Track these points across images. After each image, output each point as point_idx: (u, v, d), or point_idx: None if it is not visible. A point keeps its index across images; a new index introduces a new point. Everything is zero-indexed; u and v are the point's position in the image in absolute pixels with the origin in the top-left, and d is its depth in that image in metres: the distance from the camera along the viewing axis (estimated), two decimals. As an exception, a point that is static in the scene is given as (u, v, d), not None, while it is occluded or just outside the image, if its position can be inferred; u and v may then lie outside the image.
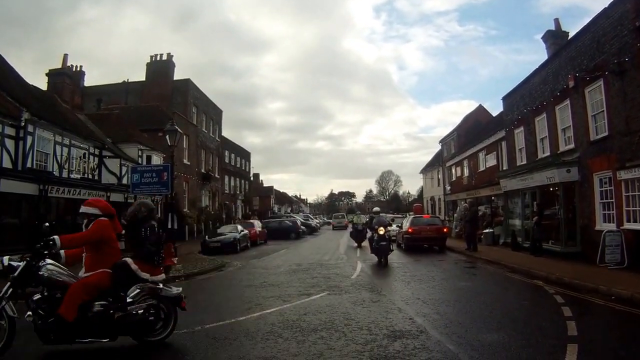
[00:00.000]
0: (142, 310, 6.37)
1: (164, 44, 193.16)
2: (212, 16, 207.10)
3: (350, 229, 36.05)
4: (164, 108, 35.24)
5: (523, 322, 7.85)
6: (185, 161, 36.30)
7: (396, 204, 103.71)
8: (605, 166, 14.94)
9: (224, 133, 51.43)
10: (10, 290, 5.95)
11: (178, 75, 41.54)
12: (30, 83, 22.84)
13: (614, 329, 7.59)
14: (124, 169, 24.59)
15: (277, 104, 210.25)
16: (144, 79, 41.20)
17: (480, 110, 43.95)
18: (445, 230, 23.95)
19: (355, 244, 27.01)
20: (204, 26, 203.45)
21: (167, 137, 16.63)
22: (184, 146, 35.85)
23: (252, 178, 68.37)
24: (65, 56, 29.65)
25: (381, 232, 17.25)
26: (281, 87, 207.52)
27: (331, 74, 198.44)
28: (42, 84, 27.20)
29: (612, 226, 14.34)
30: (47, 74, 27.20)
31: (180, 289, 7.14)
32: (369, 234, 21.37)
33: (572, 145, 17.26)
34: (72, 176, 20.54)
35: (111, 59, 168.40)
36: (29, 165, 17.52)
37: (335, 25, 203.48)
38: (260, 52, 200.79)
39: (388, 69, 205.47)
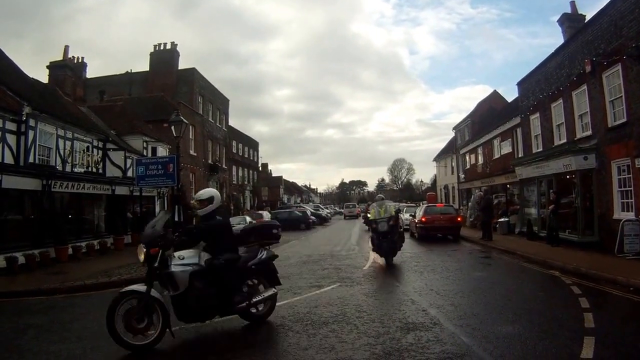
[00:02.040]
0: None
1: (166, 32, 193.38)
2: (214, 1, 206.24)
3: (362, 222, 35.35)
4: (168, 98, 35.11)
5: (539, 313, 7.73)
6: (192, 152, 36.28)
7: (409, 192, 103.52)
8: (624, 153, 14.62)
9: (231, 122, 51.37)
10: None
11: (181, 63, 41.42)
12: (29, 74, 22.77)
13: (632, 321, 7.41)
14: (128, 162, 24.54)
15: (284, 92, 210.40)
16: (147, 69, 41.11)
17: (495, 95, 43.41)
18: (459, 219, 23.84)
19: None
20: (207, 12, 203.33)
21: (173, 128, 16.46)
22: (190, 137, 35.72)
23: (260, 168, 68.25)
24: (66, 48, 29.64)
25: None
26: (288, 74, 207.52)
27: (340, 60, 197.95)
28: (41, 75, 27.23)
29: (631, 215, 14.05)
30: (48, 67, 27.20)
31: None
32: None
33: (589, 132, 16.94)
34: (75, 170, 20.47)
35: (112, 48, 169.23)
36: (31, 160, 17.41)
37: (343, 9, 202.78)
38: (265, 37, 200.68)
39: (399, 54, 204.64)
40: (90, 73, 41.58)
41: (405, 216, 30.91)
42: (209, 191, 7.66)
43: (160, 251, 6.50)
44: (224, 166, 45.85)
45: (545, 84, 20.83)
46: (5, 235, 15.45)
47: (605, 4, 15.57)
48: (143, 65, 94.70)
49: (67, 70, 26.35)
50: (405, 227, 29.08)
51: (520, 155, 25.10)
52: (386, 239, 14.41)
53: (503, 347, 5.83)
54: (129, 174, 23.68)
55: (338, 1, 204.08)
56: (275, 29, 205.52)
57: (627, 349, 5.85)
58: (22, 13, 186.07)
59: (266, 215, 33.88)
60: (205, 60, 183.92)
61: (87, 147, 21.95)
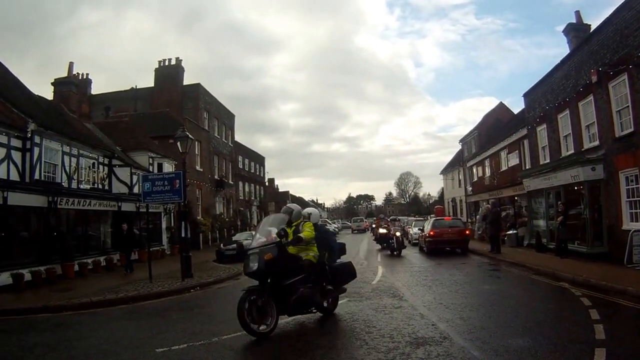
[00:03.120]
0: None
1: (169, 47, 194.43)
2: (218, 16, 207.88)
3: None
4: (174, 114, 35.22)
5: (549, 326, 7.69)
6: (198, 168, 36.32)
7: (416, 206, 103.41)
8: (632, 163, 14.52)
9: (236, 137, 51.41)
10: None
11: (186, 78, 41.53)
12: (34, 90, 22.95)
13: (644, 332, 7.36)
14: (134, 178, 24.56)
15: (289, 106, 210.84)
16: (152, 84, 41.34)
17: (501, 107, 43.42)
18: (467, 232, 23.75)
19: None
20: (211, 27, 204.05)
21: (179, 144, 16.54)
22: (196, 152, 35.77)
23: (267, 183, 68.33)
24: (71, 64, 29.90)
25: None
26: (293, 88, 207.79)
27: (345, 73, 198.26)
28: (45, 91, 27.54)
29: (640, 225, 13.94)
30: (52, 83, 27.52)
31: None
32: None
33: (596, 143, 16.87)
34: (81, 186, 20.55)
35: (116, 64, 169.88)
36: (36, 177, 17.46)
37: (347, 22, 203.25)
38: (270, 51, 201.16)
39: (404, 66, 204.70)
40: (95, 88, 41.87)
41: (413, 230, 30.85)
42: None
43: None
44: (230, 182, 45.88)
45: (551, 95, 20.80)
46: (11, 252, 15.45)
47: (610, 13, 15.60)
48: (147, 81, 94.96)
49: (72, 86, 26.65)
50: (414, 241, 29.08)
51: (527, 167, 25.05)
52: (258, 291, 7.88)
53: (514, 360, 5.79)
54: (135, 190, 23.72)
55: (342, 14, 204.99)
56: (280, 43, 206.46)
57: (639, 360, 5.80)
58: (24, 29, 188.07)
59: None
60: (209, 75, 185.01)
61: (93, 164, 22.05)
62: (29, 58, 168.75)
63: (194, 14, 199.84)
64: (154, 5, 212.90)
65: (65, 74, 28.59)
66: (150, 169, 26.67)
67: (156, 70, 40.87)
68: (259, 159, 62.14)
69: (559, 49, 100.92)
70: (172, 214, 28.46)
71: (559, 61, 20.16)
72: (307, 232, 8.53)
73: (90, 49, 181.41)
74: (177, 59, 40.81)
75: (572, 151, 18.81)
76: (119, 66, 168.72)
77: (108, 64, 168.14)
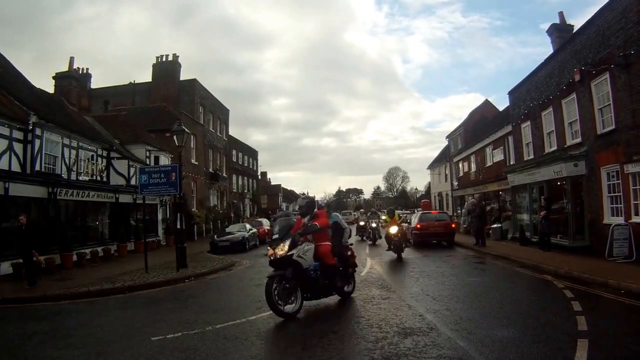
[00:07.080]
0: None
1: (163, 42, 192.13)
2: (210, 11, 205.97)
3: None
4: (171, 108, 35.49)
5: (533, 317, 7.84)
6: (193, 161, 36.47)
7: (404, 200, 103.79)
8: (613, 160, 14.90)
9: (230, 132, 51.68)
10: None
11: (181, 73, 41.71)
12: (32, 84, 22.87)
13: (624, 323, 7.55)
14: (132, 170, 24.80)
15: (281, 101, 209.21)
16: (149, 78, 41.58)
17: (487, 104, 43.91)
18: (453, 225, 24.00)
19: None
20: (203, 22, 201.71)
21: (175, 137, 16.76)
22: (192, 146, 35.98)
23: (259, 176, 68.56)
24: (72, 59, 29.95)
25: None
26: (284, 83, 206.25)
27: (335, 69, 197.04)
28: (42, 84, 27.66)
29: (620, 220, 14.29)
30: (53, 77, 27.62)
31: None
32: None
33: (579, 139, 17.23)
34: (80, 178, 20.75)
35: (111, 57, 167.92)
36: (37, 168, 17.66)
37: (336, 18, 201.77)
38: (261, 47, 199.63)
39: (392, 63, 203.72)
40: (93, 83, 42.15)
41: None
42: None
43: None
44: (224, 175, 46.08)
45: (535, 92, 21.13)
46: (11, 242, 15.41)
47: (593, 14, 15.95)
48: (144, 74, 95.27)
49: (72, 80, 26.81)
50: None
51: (512, 163, 25.40)
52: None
53: (499, 350, 5.91)
54: (133, 182, 23.93)
55: (332, 11, 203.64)
56: (271, 38, 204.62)
57: (620, 350, 5.95)
58: (21, 23, 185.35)
59: (265, 222, 33.91)
60: (203, 69, 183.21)
61: (92, 156, 22.27)
62: (26, 51, 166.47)
63: (187, 8, 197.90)
64: (147, 0, 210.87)
65: (62, 67, 28.92)
66: (147, 162, 26.85)
67: (154, 65, 41.01)
68: (252, 153, 62.36)
69: (543, 48, 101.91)
70: (167, 205, 28.64)
71: (543, 60, 20.57)
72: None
73: (87, 42, 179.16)
74: (174, 55, 41.06)
75: (556, 148, 19.18)
76: (114, 60, 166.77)
77: (104, 58, 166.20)
